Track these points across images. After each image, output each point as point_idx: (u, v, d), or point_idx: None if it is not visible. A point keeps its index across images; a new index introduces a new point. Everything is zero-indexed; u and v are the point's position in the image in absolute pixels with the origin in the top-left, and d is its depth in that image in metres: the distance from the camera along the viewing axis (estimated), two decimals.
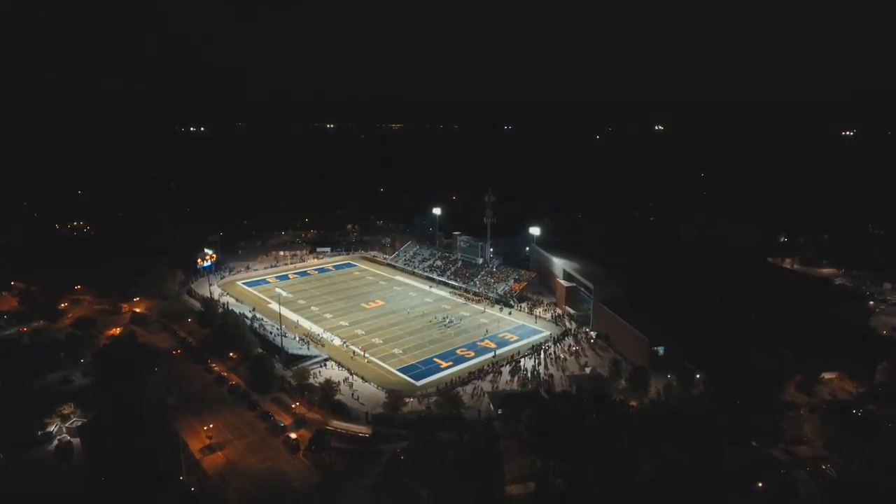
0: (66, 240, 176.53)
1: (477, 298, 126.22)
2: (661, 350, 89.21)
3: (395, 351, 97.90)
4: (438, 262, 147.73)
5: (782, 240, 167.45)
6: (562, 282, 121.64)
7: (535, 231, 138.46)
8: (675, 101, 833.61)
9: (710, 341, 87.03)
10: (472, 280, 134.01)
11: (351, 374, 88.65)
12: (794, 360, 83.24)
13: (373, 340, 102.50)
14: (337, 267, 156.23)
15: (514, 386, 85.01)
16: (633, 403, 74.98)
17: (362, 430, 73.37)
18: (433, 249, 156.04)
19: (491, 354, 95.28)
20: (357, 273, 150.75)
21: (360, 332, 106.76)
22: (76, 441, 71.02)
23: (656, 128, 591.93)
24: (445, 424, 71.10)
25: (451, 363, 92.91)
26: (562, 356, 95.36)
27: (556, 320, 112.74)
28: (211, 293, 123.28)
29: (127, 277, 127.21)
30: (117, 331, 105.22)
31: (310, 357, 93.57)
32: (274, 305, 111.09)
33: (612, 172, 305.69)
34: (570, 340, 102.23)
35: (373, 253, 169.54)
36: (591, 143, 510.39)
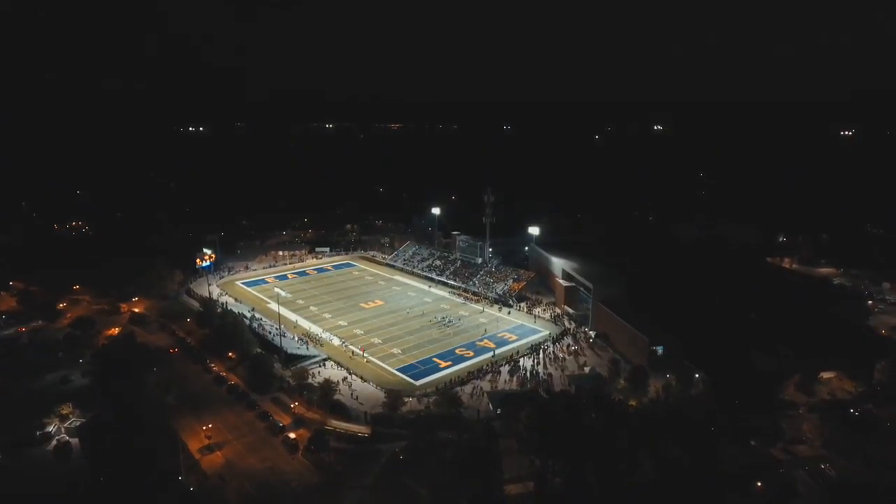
0: (66, 240, 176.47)
1: (476, 298, 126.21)
2: (659, 350, 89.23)
3: (394, 351, 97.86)
4: (437, 262, 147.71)
5: (781, 239, 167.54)
6: (561, 281, 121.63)
7: (534, 231, 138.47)
8: (674, 101, 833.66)
9: (710, 341, 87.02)
10: (471, 280, 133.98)
11: (350, 373, 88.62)
12: (794, 359, 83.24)
13: (372, 340, 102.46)
14: (336, 267, 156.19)
15: (514, 385, 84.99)
16: (633, 403, 74.98)
17: (361, 429, 73.34)
18: (432, 249, 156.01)
19: (490, 354, 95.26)
20: (356, 273, 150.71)
21: (359, 331, 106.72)
22: (75, 441, 70.95)
23: (655, 128, 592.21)
24: (444, 424, 71.11)
25: (450, 363, 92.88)
26: (561, 356, 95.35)
27: (555, 320, 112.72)
28: (210, 293, 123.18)
29: (126, 277, 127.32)
30: (116, 331, 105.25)
31: (309, 357, 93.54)
32: (273, 305, 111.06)
33: (611, 172, 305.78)
34: (569, 340, 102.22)
35: (372, 253, 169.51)
36: (590, 143, 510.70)
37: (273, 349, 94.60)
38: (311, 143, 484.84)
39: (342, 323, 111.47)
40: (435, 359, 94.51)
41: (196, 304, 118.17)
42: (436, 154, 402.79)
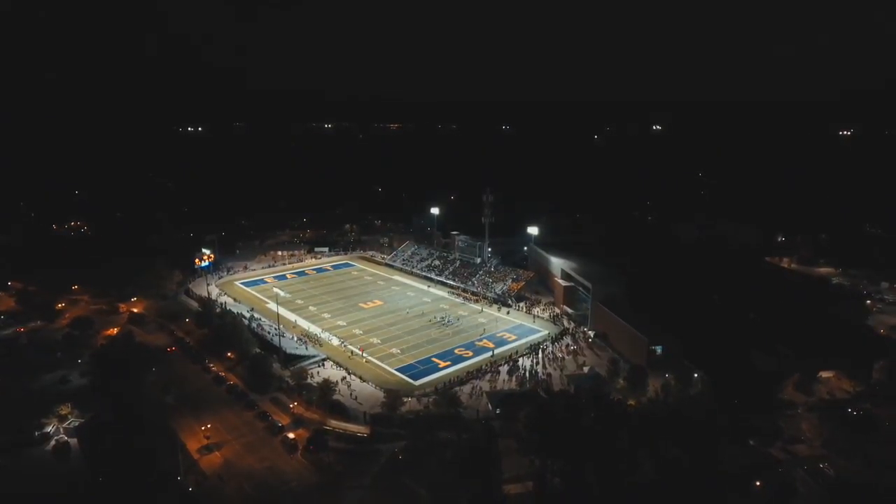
0: (64, 240, 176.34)
1: (475, 298, 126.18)
2: (658, 349, 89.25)
3: (394, 350, 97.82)
4: (436, 262, 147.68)
5: (780, 239, 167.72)
6: (560, 281, 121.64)
7: (533, 231, 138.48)
8: (674, 101, 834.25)
9: (709, 341, 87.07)
10: (470, 280, 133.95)
11: (349, 373, 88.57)
12: (794, 359, 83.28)
13: (371, 340, 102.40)
14: (335, 267, 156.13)
15: (513, 385, 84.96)
16: (632, 403, 75.01)
17: (360, 429, 73.29)
18: (431, 249, 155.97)
19: (489, 354, 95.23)
20: (355, 273, 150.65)
21: (358, 331, 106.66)
22: (73, 441, 70.86)
23: (654, 128, 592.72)
24: (444, 424, 71.10)
25: (449, 363, 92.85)
26: (560, 356, 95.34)
27: (555, 320, 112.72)
28: (209, 293, 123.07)
29: (125, 277, 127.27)
30: (115, 331, 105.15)
31: (308, 357, 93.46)
32: (272, 305, 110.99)
33: (610, 172, 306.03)
34: (568, 340, 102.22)
35: (371, 253, 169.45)
36: (589, 143, 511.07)
37: (272, 349, 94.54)
38: (310, 143, 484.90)
39: (341, 323, 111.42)
40: (434, 359, 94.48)
41: (195, 305, 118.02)
42: (435, 154, 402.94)
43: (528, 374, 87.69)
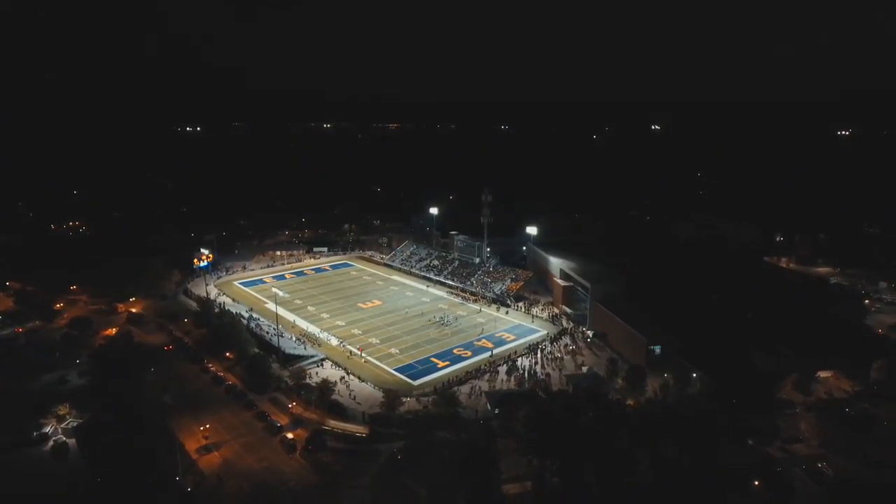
0: (63, 240, 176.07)
1: (474, 298, 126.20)
2: (657, 349, 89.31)
3: (392, 350, 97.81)
4: (435, 262, 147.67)
5: (778, 239, 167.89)
6: (559, 281, 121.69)
7: (532, 231, 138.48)
8: (673, 101, 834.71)
9: (708, 340, 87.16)
10: (469, 280, 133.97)
11: (348, 373, 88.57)
12: (794, 359, 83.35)
13: (370, 340, 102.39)
14: (334, 267, 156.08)
15: (512, 385, 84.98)
16: (631, 402, 75.07)
17: (359, 429, 73.28)
18: (430, 249, 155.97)
19: (488, 354, 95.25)
20: (354, 273, 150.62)
21: (356, 331, 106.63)
22: (72, 441, 70.77)
23: (653, 127, 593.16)
24: (443, 424, 71.13)
25: (448, 363, 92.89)
26: (559, 355, 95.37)
27: (553, 319, 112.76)
28: (207, 293, 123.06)
29: (123, 277, 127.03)
30: (113, 331, 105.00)
31: (307, 357, 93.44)
32: (271, 305, 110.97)
33: (610, 172, 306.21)
34: (567, 340, 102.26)
35: (370, 253, 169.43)
36: (589, 143, 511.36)
37: (271, 349, 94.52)
38: (310, 143, 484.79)
39: (340, 323, 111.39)
40: (433, 359, 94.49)
41: (194, 305, 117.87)
42: (435, 154, 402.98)
43: (526, 374, 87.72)
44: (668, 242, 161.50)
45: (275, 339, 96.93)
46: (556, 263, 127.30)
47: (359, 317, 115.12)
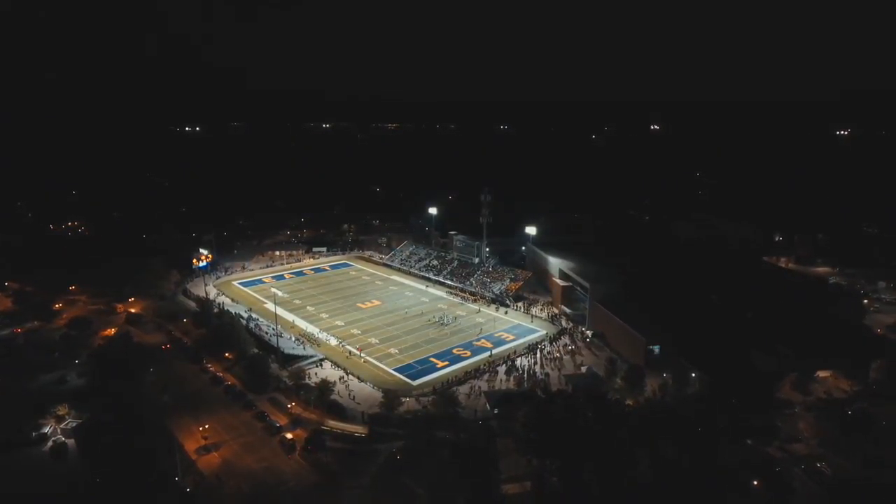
0: (62, 240, 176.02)
1: (473, 298, 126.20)
2: (656, 349, 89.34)
3: (392, 350, 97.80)
4: (435, 262, 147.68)
5: (777, 238, 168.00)
6: (558, 281, 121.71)
7: (531, 230, 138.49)
8: (672, 102, 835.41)
9: (707, 340, 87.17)
10: (468, 280, 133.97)
11: (347, 373, 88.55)
12: (794, 359, 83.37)
13: (369, 340, 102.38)
14: (333, 267, 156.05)
15: (511, 385, 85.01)
16: (630, 402, 75.09)
17: (358, 429, 73.23)
18: (429, 249, 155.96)
19: (487, 354, 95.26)
20: (353, 273, 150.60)
21: (356, 331, 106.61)
22: (71, 442, 70.73)
23: (653, 127, 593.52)
24: (442, 424, 71.09)
25: (447, 363, 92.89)
26: (558, 355, 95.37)
27: (553, 319, 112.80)
28: (206, 293, 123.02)
29: (122, 277, 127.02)
30: (112, 331, 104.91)
31: (306, 357, 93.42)
32: (270, 305, 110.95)
33: (609, 172, 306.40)
34: (566, 339, 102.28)
35: (369, 252, 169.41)
36: (588, 142, 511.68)
37: (270, 349, 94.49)
38: (309, 143, 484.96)
39: (339, 323, 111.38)
40: (432, 359, 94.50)
41: (193, 305, 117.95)
42: (434, 154, 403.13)
43: (526, 374, 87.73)
44: (667, 242, 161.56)
45: (274, 339, 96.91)
46: (555, 263, 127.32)
47: (358, 317, 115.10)
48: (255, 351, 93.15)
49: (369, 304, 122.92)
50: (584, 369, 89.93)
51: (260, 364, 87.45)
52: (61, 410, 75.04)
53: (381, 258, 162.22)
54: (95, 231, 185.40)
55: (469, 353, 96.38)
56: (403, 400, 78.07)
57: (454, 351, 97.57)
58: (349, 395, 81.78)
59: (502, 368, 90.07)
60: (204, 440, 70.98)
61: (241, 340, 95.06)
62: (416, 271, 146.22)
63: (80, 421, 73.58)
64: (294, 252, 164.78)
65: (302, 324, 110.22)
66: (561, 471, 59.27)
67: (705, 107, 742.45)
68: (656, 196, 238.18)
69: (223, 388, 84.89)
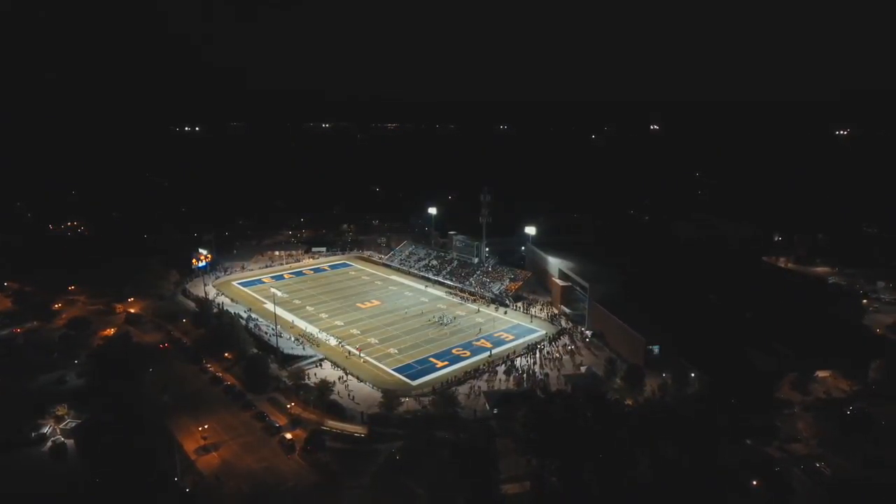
0: (62, 240, 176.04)
1: (473, 298, 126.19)
2: (655, 349, 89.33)
3: (391, 350, 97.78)
4: (434, 262, 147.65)
5: (777, 238, 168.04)
6: (557, 281, 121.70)
7: (530, 231, 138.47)
8: (672, 101, 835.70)
9: (706, 340, 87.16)
10: (467, 280, 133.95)
11: (346, 373, 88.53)
12: (794, 359, 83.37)
13: (368, 340, 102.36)
14: (332, 267, 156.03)
15: (510, 385, 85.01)
16: (629, 402, 75.08)
17: (358, 429, 73.22)
18: (429, 249, 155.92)
19: (487, 354, 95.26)
20: (353, 273, 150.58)
21: (355, 331, 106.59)
22: (70, 442, 70.71)
23: (652, 127, 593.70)
24: (441, 424, 71.10)
25: (446, 363, 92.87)
26: (557, 355, 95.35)
27: (552, 319, 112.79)
28: (206, 293, 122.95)
29: (122, 277, 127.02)
30: (112, 331, 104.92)
31: (305, 357, 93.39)
32: (269, 305, 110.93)
33: (609, 172, 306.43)
34: (565, 339, 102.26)
35: (368, 252, 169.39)
36: (588, 142, 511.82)
37: (269, 349, 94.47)
38: (309, 143, 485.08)
39: (339, 323, 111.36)
40: (431, 359, 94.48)
41: (192, 305, 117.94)
42: (434, 154, 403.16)
43: (525, 374, 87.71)
44: (667, 242, 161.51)
45: (273, 339, 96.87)
46: (554, 263, 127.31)
47: (357, 317, 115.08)
48: (255, 351, 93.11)
49: (369, 304, 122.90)
50: (583, 369, 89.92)
51: (259, 364, 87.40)
52: (61, 411, 75.08)
53: (380, 258, 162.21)
54: (95, 231, 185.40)
55: (468, 353, 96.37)
56: (403, 400, 78.09)
57: (454, 351, 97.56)
58: (349, 395, 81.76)
59: (502, 368, 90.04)
60: (203, 440, 70.95)
61: (240, 340, 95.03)
62: (415, 271, 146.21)
63: (79, 421, 73.57)
64: (293, 252, 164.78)
65: (301, 324, 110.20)
66: (560, 471, 59.28)
67: (705, 107, 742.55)
68: (656, 196, 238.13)
69: (223, 389, 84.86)
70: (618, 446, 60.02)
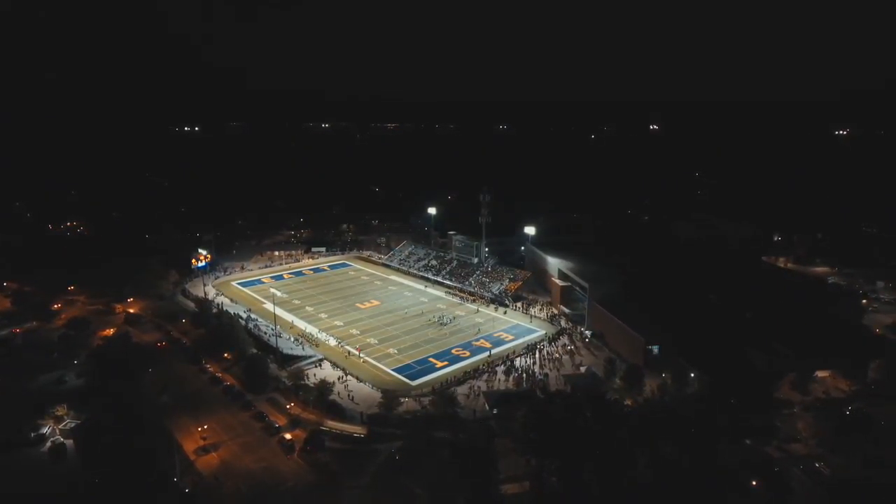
0: (62, 240, 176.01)
1: (472, 298, 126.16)
2: (655, 349, 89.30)
3: (391, 351, 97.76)
4: (434, 262, 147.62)
5: (776, 238, 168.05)
6: (557, 281, 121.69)
7: (530, 231, 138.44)
8: (672, 101, 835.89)
9: (706, 340, 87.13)
10: (467, 280, 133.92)
11: (346, 374, 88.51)
12: (794, 359, 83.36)
13: (368, 340, 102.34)
14: (332, 267, 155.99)
15: (510, 385, 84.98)
16: (629, 402, 75.06)
17: (357, 429, 73.23)
18: (428, 249, 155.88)
19: (486, 354, 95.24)
20: (352, 273, 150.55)
21: (355, 331, 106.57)
22: (69, 442, 70.66)
23: (652, 127, 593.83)
24: (441, 424, 71.08)
25: (446, 363, 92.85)
26: (557, 355, 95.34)
27: (552, 319, 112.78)
28: (205, 293, 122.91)
29: (121, 278, 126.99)
30: (111, 331, 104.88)
31: (305, 357, 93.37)
32: (269, 305, 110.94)
33: (609, 172, 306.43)
34: (565, 339, 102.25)
35: (368, 252, 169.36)
36: (587, 142, 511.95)
37: (269, 349, 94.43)
38: (309, 143, 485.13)
39: (338, 323, 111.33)
40: (431, 359, 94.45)
41: (191, 305, 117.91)
42: (434, 154, 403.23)
43: (525, 374, 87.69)
44: (666, 242, 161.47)
45: (273, 339, 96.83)
46: (554, 263, 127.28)
47: (357, 317, 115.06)
48: (254, 351, 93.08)
49: (368, 305, 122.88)
50: (583, 369, 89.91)
51: (259, 364, 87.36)
52: (60, 411, 74.91)
53: (380, 258, 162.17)
54: (95, 231, 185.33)
55: (468, 354, 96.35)
56: (402, 400, 78.04)
57: (453, 351, 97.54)
58: (348, 395, 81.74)
59: (501, 368, 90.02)
60: (203, 440, 70.90)
61: (240, 341, 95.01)
62: (415, 271, 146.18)
63: (78, 421, 73.47)
64: (293, 252, 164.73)
65: (301, 324, 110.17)
66: (560, 471, 59.28)
67: (705, 107, 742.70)
68: (656, 196, 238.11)
69: (222, 389, 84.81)
70: (618, 446, 60.01)
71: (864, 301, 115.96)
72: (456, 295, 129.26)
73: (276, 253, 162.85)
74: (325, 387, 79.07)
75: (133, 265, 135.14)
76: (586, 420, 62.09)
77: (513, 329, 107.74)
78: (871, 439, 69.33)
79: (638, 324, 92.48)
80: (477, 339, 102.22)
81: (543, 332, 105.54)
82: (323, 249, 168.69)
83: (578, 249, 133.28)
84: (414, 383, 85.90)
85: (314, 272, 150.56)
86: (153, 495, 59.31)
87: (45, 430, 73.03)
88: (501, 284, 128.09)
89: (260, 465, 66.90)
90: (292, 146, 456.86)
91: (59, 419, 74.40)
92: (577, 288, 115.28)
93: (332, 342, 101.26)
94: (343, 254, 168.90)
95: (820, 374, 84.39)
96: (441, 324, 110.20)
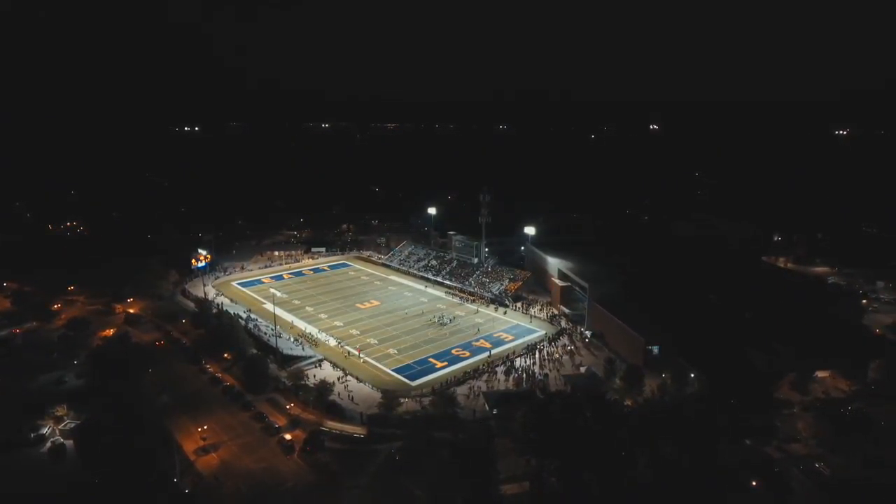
0: (61, 240, 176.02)
1: (472, 298, 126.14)
2: (655, 349, 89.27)
3: (391, 351, 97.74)
4: (433, 262, 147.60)
5: (776, 238, 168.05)
6: (557, 281, 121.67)
7: (530, 231, 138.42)
8: (672, 101, 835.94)
9: (705, 340, 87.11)
10: (467, 280, 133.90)
11: (346, 374, 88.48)
12: (794, 359, 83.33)
13: (368, 340, 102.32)
14: (332, 267, 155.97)
15: (510, 385, 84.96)
16: (629, 402, 75.03)
17: (357, 430, 73.23)
18: (428, 249, 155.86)
19: (486, 354, 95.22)
20: (352, 273, 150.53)
21: (355, 332, 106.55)
22: (69, 443, 70.62)
23: (652, 127, 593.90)
24: (441, 424, 71.01)
25: (446, 363, 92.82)
26: (557, 355, 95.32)
27: (552, 320, 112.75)
28: (205, 293, 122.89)
29: (121, 278, 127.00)
30: (111, 331, 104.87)
31: (304, 357, 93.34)
32: (268, 306, 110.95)
33: (609, 172, 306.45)
34: (565, 340, 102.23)
35: (368, 253, 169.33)
36: (587, 142, 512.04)
37: (269, 350, 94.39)
38: (309, 143, 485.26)
39: (338, 323, 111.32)
40: (431, 359, 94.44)
41: (191, 305, 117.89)
42: (434, 154, 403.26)
43: (525, 375, 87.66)
44: (666, 242, 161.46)
45: (273, 339, 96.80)
46: (554, 263, 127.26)
47: (357, 317, 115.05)
48: (254, 351, 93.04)
49: (368, 305, 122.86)
50: (583, 369, 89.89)
51: (259, 364, 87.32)
52: (60, 411, 74.94)
53: (380, 258, 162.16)
54: (94, 231, 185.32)
55: (468, 354, 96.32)
56: (402, 400, 78.00)
57: (453, 351, 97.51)
58: (348, 395, 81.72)
59: (501, 369, 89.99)
60: (203, 441, 70.88)
61: (239, 341, 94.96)
62: (415, 271, 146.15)
63: (78, 422, 73.43)
64: (293, 252, 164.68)
65: (301, 324, 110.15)
66: (560, 471, 59.24)
67: (705, 107, 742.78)
68: (656, 196, 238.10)
69: (222, 389, 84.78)
70: (617, 446, 60.01)
71: (864, 301, 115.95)
72: (456, 295, 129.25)
73: (276, 253, 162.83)
74: (324, 387, 79.05)
75: (133, 265, 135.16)
76: (586, 420, 62.03)
77: (513, 329, 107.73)
78: (870, 439, 69.32)
79: (638, 324, 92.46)
80: (477, 340, 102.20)
81: (543, 332, 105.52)
82: (323, 249, 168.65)
83: (578, 249, 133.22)
84: (414, 383, 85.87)
85: (314, 272, 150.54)
86: (153, 495, 59.27)
87: (45, 430, 73.02)
88: (501, 284, 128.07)
89: (260, 465, 66.89)
90: (292, 146, 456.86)
91: (58, 419, 74.43)
92: (577, 288, 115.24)
93: (332, 342, 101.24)
94: (343, 254, 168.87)
95: (820, 374, 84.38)
96: (441, 324, 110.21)
